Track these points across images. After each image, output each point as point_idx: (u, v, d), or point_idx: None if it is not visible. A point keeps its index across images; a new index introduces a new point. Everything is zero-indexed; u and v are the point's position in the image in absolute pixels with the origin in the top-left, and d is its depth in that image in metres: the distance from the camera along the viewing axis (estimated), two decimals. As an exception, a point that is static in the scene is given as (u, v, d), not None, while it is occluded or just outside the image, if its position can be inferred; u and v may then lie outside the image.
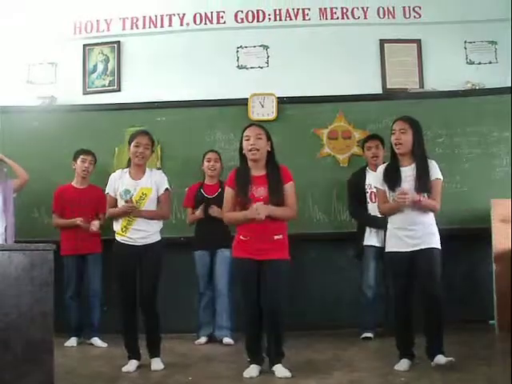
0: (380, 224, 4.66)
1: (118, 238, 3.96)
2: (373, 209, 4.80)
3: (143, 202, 3.93)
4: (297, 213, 3.76)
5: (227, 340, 4.77)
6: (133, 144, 3.96)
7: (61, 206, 5.04)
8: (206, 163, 5.00)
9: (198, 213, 4.92)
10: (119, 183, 3.97)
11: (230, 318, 4.84)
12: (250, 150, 3.66)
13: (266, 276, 3.60)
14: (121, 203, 3.92)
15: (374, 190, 4.75)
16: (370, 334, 4.78)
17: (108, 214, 4.05)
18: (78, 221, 4.88)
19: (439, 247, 3.66)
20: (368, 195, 4.91)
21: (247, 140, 3.68)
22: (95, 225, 4.90)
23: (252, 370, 3.61)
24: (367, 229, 4.89)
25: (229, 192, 3.74)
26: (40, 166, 5.38)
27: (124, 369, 3.83)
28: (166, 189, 4.03)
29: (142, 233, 3.91)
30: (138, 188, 3.94)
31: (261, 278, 3.62)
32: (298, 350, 4.21)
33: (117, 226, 3.98)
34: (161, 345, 3.98)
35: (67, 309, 4.86)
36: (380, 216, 4.55)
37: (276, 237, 3.64)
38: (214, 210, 4.80)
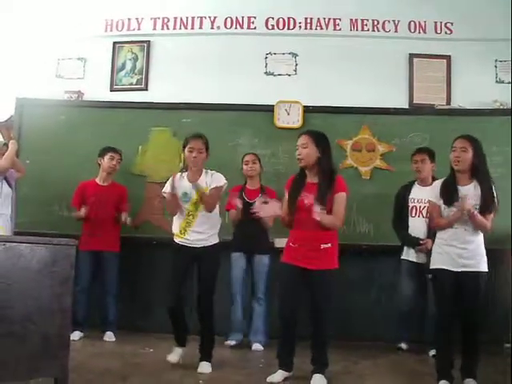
0: (409, 242, 4.74)
1: (176, 239, 4.01)
2: (412, 223, 4.81)
3: (201, 203, 3.95)
4: (340, 224, 3.76)
5: (257, 346, 4.75)
6: (187, 149, 4.00)
7: (81, 201, 5.05)
8: (244, 166, 4.98)
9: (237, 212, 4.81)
10: (178, 186, 3.97)
11: (265, 325, 4.83)
12: (298, 159, 3.74)
13: (312, 286, 3.63)
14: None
15: (417, 204, 4.79)
16: (403, 345, 4.81)
17: (167, 206, 4.13)
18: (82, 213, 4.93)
19: (486, 270, 3.63)
20: (409, 209, 4.87)
21: (297, 149, 3.75)
22: (125, 217, 4.98)
23: (276, 375, 3.64)
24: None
25: (285, 195, 3.82)
26: (63, 160, 5.45)
27: (169, 357, 3.94)
28: (219, 184, 4.01)
29: (200, 235, 3.95)
30: (195, 190, 3.96)
31: (307, 286, 3.64)
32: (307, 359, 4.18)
33: (175, 228, 4.02)
34: (212, 349, 3.99)
35: (75, 302, 4.83)
36: (415, 236, 4.66)
37: (323, 245, 3.65)
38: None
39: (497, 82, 5.61)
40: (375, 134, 5.46)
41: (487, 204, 3.60)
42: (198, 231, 3.95)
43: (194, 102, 5.56)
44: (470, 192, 3.64)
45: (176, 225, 4.02)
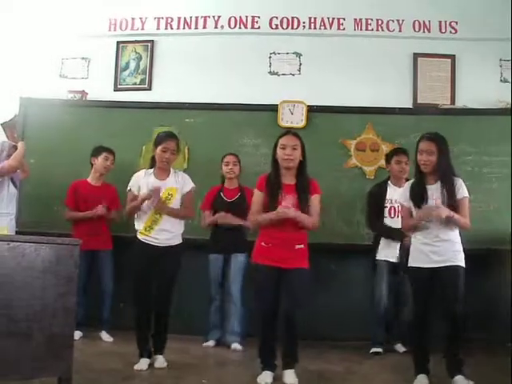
0: (395, 235, 4.67)
1: (140, 237, 3.97)
2: (390, 224, 4.78)
3: (170, 202, 3.94)
4: (318, 225, 3.75)
5: (235, 346, 4.73)
6: (160, 148, 3.96)
7: (75, 200, 5.06)
8: (223, 167, 4.98)
9: (222, 218, 4.86)
10: (144, 183, 3.97)
11: (241, 324, 4.82)
12: (285, 159, 3.66)
13: (287, 284, 3.60)
14: (147, 204, 3.92)
15: (395, 205, 4.76)
16: (379, 349, 4.73)
17: (129, 208, 4.02)
18: (99, 208, 4.93)
19: (463, 265, 3.62)
20: (387, 210, 4.84)
21: (283, 149, 3.67)
22: (100, 208, 4.95)
23: (266, 376, 3.60)
24: (381, 242, 4.83)
25: (258, 195, 3.74)
26: (66, 160, 5.44)
27: (136, 367, 3.84)
28: (191, 188, 4.05)
29: (166, 233, 3.93)
30: (164, 188, 3.95)
31: (281, 286, 3.62)
32: (312, 360, 4.18)
33: (139, 225, 3.99)
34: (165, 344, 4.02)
35: None
36: (395, 228, 4.58)
37: (297, 246, 3.66)
38: (223, 216, 4.81)
39: (501, 81, 5.60)
40: (379, 134, 5.45)
41: (449, 203, 3.58)
42: (165, 229, 3.93)
43: (197, 101, 5.55)
44: (436, 191, 3.64)
45: (140, 222, 3.98)
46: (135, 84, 5.81)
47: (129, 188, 4.05)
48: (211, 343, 4.86)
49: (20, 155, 4.65)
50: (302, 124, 5.42)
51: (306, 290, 3.67)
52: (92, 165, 5.14)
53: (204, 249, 4.95)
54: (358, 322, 5.07)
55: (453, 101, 5.58)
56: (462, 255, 3.65)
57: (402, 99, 5.58)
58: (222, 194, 4.98)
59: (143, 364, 3.87)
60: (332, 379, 3.74)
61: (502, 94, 5.46)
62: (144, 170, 4.09)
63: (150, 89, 5.78)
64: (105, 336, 4.94)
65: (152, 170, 4.05)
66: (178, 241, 4.01)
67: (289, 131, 3.86)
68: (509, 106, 5.37)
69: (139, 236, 3.98)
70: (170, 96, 5.60)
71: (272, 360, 3.68)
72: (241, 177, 5.04)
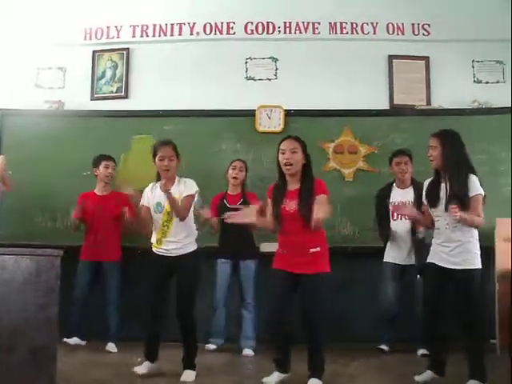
0: (393, 237, 4.76)
1: (154, 249, 3.99)
2: (395, 226, 4.83)
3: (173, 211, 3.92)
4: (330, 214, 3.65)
5: (248, 351, 4.75)
6: (157, 158, 3.93)
7: (82, 212, 4.98)
8: (230, 170, 4.97)
9: (214, 221, 4.83)
10: (151, 196, 3.97)
11: (255, 330, 4.83)
12: (285, 165, 3.64)
13: (303, 291, 3.60)
14: (155, 217, 3.93)
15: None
16: (384, 347, 4.83)
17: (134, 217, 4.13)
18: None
19: (477, 267, 3.63)
20: (391, 212, 4.87)
21: (282, 154, 3.66)
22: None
23: (271, 377, 3.63)
24: (387, 245, 4.89)
25: (269, 203, 3.78)
26: (45, 170, 5.42)
27: (136, 369, 3.85)
28: (191, 192, 3.97)
29: (176, 244, 3.91)
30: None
31: (299, 291, 3.62)
32: (301, 362, 4.17)
33: (153, 239, 4.00)
34: (195, 357, 3.94)
35: (70, 311, 4.75)
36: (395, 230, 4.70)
37: (312, 250, 3.62)
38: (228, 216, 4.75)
39: (475, 81, 5.68)
40: (357, 136, 5.50)
41: (454, 200, 3.57)
42: (173, 241, 3.91)
43: (174, 108, 5.55)
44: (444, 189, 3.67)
45: (154, 235, 3.99)
46: (112, 92, 5.78)
47: (141, 204, 4.03)
48: (212, 347, 4.83)
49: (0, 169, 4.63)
50: (279, 128, 5.45)
51: (323, 294, 3.63)
52: (96, 176, 5.08)
53: (212, 256, 4.89)
54: (344, 324, 5.09)
55: (428, 101, 5.64)
56: (475, 256, 3.64)
57: (379, 101, 5.63)
58: (224, 200, 4.96)
59: (143, 367, 3.86)
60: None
61: (475, 94, 5.55)
62: (151, 184, 4.05)
63: (126, 97, 5.76)
64: (112, 347, 4.85)
65: (159, 182, 3.96)
66: (192, 248, 3.96)
67: (290, 136, 3.84)
68: (482, 106, 5.46)
69: (153, 249, 3.99)
70: (147, 104, 5.60)
71: (283, 361, 3.68)
72: (221, 182, 5.04)
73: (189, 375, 3.86)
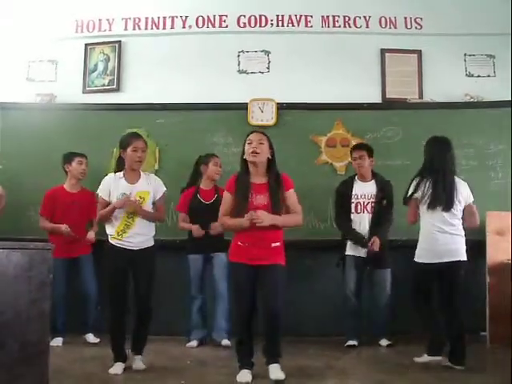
0: (358, 239, 4.80)
1: (113, 241, 3.91)
2: (357, 219, 4.87)
3: (141, 206, 3.91)
4: (301, 222, 3.79)
5: (226, 342, 4.76)
6: (130, 149, 3.89)
7: (51, 209, 4.97)
8: (212, 167, 4.93)
9: (196, 232, 4.84)
10: (114, 187, 3.92)
11: (228, 322, 4.83)
12: (252, 153, 3.65)
13: (264, 280, 3.62)
14: (118, 210, 3.87)
15: (360, 200, 4.89)
16: (354, 342, 4.80)
17: (100, 215, 3.95)
18: (63, 227, 4.82)
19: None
20: (353, 206, 4.91)
21: (249, 144, 3.68)
22: (91, 235, 4.92)
23: (245, 375, 3.61)
24: (348, 241, 4.92)
25: (228, 197, 3.74)
26: (37, 164, 5.39)
27: (111, 371, 3.81)
28: (164, 193, 4.04)
29: (140, 237, 3.90)
30: (135, 192, 3.91)
31: (258, 283, 3.64)
32: (292, 356, 4.20)
33: (111, 229, 3.92)
34: (145, 345, 3.99)
35: (54, 309, 4.75)
36: (359, 233, 4.78)
37: (273, 244, 3.67)
38: (215, 227, 4.72)
39: (466, 75, 5.69)
40: (349, 130, 5.51)
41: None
42: (139, 233, 3.89)
43: (166, 102, 5.53)
44: None
45: (112, 226, 3.92)
46: (103, 85, 5.74)
47: (99, 195, 3.97)
48: (194, 343, 4.85)
49: None
50: (272, 122, 5.45)
51: (282, 285, 3.67)
52: (66, 172, 5.05)
53: (181, 249, 4.95)
54: (334, 317, 5.10)
55: (420, 95, 5.65)
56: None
57: (371, 94, 5.63)
58: (198, 195, 4.95)
59: (118, 368, 3.84)
60: (312, 375, 3.77)
61: (467, 88, 5.56)
62: (112, 174, 4.00)
63: (118, 90, 5.73)
64: (91, 338, 4.89)
65: (121, 173, 3.97)
66: (151, 243, 3.98)
67: (255, 130, 3.87)
68: (473, 99, 5.48)
69: (111, 241, 3.91)
70: (139, 97, 5.58)
71: (249, 358, 3.70)
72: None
73: (140, 363, 3.93)
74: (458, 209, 4.07)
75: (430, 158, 4.12)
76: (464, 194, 4.12)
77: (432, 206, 4.03)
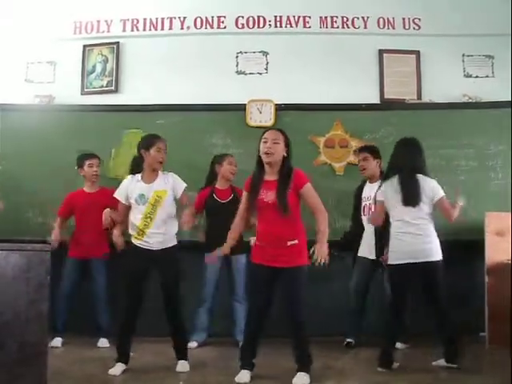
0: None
1: (134, 241, 3.93)
2: (365, 221, 4.83)
3: (159, 205, 3.89)
4: (324, 211, 3.71)
5: None
6: (154, 149, 3.89)
7: (67, 210, 4.97)
8: (226, 166, 4.88)
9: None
10: (131, 190, 3.93)
11: None
12: (265, 153, 3.63)
13: (283, 286, 3.61)
14: (137, 209, 3.89)
15: (367, 202, 4.85)
16: (350, 340, 4.82)
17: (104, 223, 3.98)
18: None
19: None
20: (362, 208, 4.91)
21: (264, 143, 3.65)
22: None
23: (244, 376, 3.61)
24: (362, 241, 4.90)
25: (245, 195, 3.77)
26: (35, 165, 5.39)
27: (111, 371, 3.81)
28: (184, 188, 4.00)
29: (158, 236, 3.89)
30: (152, 191, 3.91)
31: (277, 284, 3.63)
32: (291, 356, 4.19)
33: (132, 230, 3.95)
34: (187, 347, 4.01)
35: (55, 308, 4.72)
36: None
37: (290, 242, 3.61)
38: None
39: (465, 76, 5.70)
40: (348, 130, 5.51)
41: None
42: (157, 232, 3.89)
43: (165, 103, 5.53)
44: None
45: (133, 226, 3.93)
46: (102, 87, 5.75)
47: (118, 197, 3.98)
48: (194, 344, 4.79)
49: None
50: (270, 123, 5.44)
51: (303, 288, 3.62)
52: (84, 176, 5.04)
53: (190, 249, 4.87)
54: (333, 317, 5.09)
55: (419, 95, 5.65)
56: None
57: (369, 95, 5.64)
58: (214, 195, 4.91)
59: (118, 369, 3.83)
60: (311, 375, 3.75)
61: (466, 89, 5.57)
62: (130, 176, 4.01)
63: (117, 91, 5.73)
64: (103, 342, 4.83)
65: (139, 175, 3.97)
66: (172, 243, 3.96)
67: (273, 128, 3.86)
68: (472, 100, 5.48)
69: (133, 240, 3.94)
70: (138, 98, 5.58)
71: (251, 359, 3.69)
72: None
73: (184, 365, 3.91)
74: (423, 208, 3.97)
75: (393, 158, 4.14)
76: (427, 191, 3.97)
77: (393, 206, 4.04)
